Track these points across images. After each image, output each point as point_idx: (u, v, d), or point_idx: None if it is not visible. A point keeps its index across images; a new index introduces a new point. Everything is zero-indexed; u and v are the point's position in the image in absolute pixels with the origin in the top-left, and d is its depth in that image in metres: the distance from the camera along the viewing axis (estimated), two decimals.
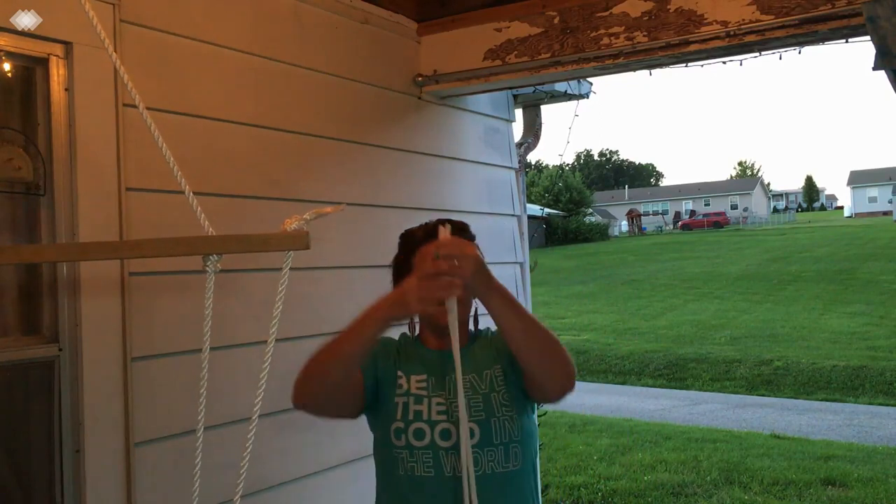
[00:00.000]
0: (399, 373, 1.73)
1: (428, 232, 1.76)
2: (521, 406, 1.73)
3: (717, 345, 14.41)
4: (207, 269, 1.12)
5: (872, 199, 69.99)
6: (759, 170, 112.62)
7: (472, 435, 1.64)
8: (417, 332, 1.87)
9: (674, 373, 13.08)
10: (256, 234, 1.15)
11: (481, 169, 3.73)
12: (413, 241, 1.79)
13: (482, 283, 1.50)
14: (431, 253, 1.46)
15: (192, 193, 1.16)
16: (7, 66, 1.98)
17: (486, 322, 1.78)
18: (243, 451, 1.14)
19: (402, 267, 1.80)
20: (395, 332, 1.85)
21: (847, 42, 2.68)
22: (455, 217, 3.58)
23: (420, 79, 3.27)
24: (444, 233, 1.50)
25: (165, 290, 2.25)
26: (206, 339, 1.13)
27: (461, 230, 1.78)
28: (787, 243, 33.84)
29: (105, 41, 1.20)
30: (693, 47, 2.75)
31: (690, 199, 74.06)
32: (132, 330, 2.12)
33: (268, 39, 2.63)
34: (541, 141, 4.33)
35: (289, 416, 2.57)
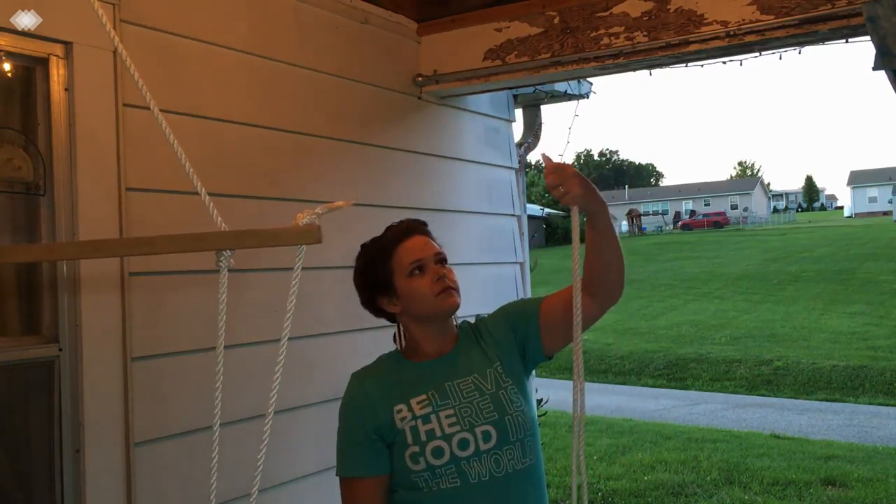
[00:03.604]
0: (396, 408, 1.66)
1: (398, 233, 1.74)
2: (526, 395, 1.72)
3: (717, 345, 14.41)
4: (220, 264, 1.11)
5: (872, 199, 69.98)
6: (759, 170, 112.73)
7: (488, 437, 1.62)
8: (402, 346, 1.79)
9: (674, 373, 13.08)
10: (269, 228, 1.13)
11: (481, 169, 3.73)
12: (383, 248, 1.74)
13: (592, 200, 1.56)
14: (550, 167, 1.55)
15: (205, 191, 1.15)
16: (7, 66, 1.98)
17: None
18: (258, 447, 1.13)
19: (375, 275, 1.74)
20: (372, 355, 1.82)
21: (847, 42, 2.68)
22: (454, 217, 3.59)
23: (420, 79, 3.26)
24: (549, 162, 1.57)
25: (166, 290, 2.25)
26: (221, 335, 1.12)
27: (421, 223, 1.79)
28: (787, 243, 33.81)
29: (115, 39, 1.20)
30: (693, 47, 2.75)
31: (690, 199, 74.01)
32: (132, 330, 2.12)
33: (268, 39, 2.63)
34: (541, 141, 4.34)
35: (289, 416, 2.57)
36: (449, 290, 1.69)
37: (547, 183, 1.54)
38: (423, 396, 1.67)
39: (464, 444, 1.61)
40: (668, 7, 2.75)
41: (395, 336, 1.80)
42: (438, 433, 1.62)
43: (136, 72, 1.19)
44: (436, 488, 1.61)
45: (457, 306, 1.71)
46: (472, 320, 1.84)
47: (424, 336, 1.73)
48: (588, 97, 4.37)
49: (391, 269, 1.71)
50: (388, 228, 1.78)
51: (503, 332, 1.75)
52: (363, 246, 1.79)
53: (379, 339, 1.91)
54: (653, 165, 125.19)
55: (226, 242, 1.11)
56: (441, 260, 1.73)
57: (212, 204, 1.14)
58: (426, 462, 1.61)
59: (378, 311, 1.78)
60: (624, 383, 12.80)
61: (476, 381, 1.68)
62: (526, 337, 1.73)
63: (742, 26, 2.62)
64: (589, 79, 4.14)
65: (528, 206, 4.68)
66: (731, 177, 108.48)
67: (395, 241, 1.72)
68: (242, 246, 1.13)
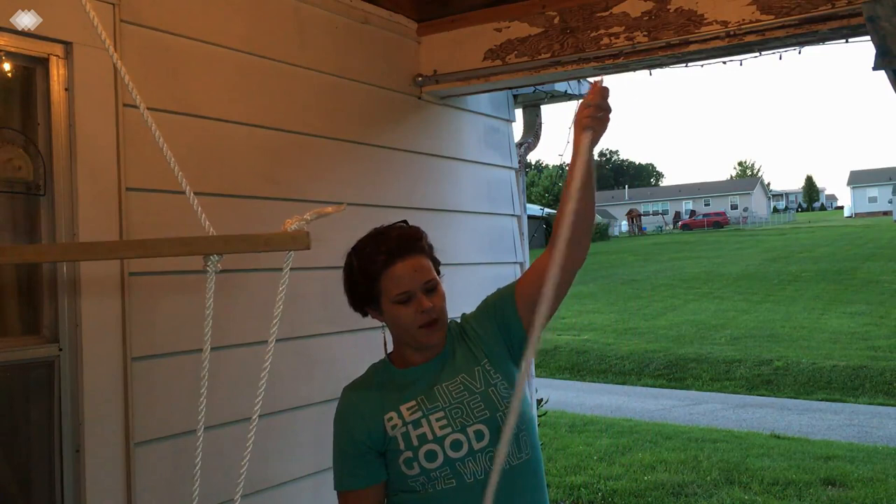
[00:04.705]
0: (387, 416, 1.66)
1: (388, 255, 1.67)
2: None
3: (717, 345, 14.41)
4: (208, 269, 1.12)
5: (872, 199, 70.01)
6: (759, 170, 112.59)
7: (481, 436, 1.62)
8: (389, 351, 1.79)
9: (674, 373, 13.08)
10: (258, 233, 1.15)
11: (481, 169, 3.73)
12: (371, 272, 1.69)
13: (595, 146, 1.50)
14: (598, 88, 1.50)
15: (192, 193, 1.16)
16: (7, 66, 1.99)
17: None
18: (244, 451, 1.14)
19: (362, 290, 1.72)
20: (371, 355, 1.84)
21: (847, 42, 2.68)
22: (454, 217, 3.59)
23: (420, 79, 3.27)
24: (598, 84, 1.52)
25: (166, 290, 2.25)
26: (207, 339, 1.13)
27: (416, 238, 1.72)
28: (787, 243, 33.84)
29: (105, 41, 1.20)
30: (693, 47, 2.75)
31: (690, 199, 74.02)
32: (132, 330, 2.12)
33: (268, 39, 2.63)
34: (541, 141, 4.34)
35: (288, 416, 2.57)
36: (432, 323, 1.67)
37: (595, 102, 1.48)
38: (413, 402, 1.67)
39: (456, 445, 1.62)
40: (668, 7, 2.75)
41: (384, 342, 1.81)
42: (430, 437, 1.63)
43: (126, 73, 1.19)
44: (432, 490, 1.62)
45: (437, 341, 1.70)
46: (459, 319, 1.83)
47: (410, 346, 1.73)
48: None
49: (378, 291, 1.69)
50: (381, 243, 1.69)
51: (487, 325, 1.74)
52: (354, 249, 1.75)
53: (379, 339, 1.91)
54: (653, 165, 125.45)
55: (215, 247, 1.12)
56: (430, 288, 1.68)
57: (200, 207, 1.15)
58: (420, 466, 1.62)
59: (366, 314, 1.79)
60: (624, 383, 12.80)
61: (465, 380, 1.68)
62: (506, 321, 1.71)
63: (742, 26, 2.62)
64: (589, 79, 4.14)
65: (528, 206, 4.68)
66: (731, 177, 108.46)
67: (383, 265, 1.67)
68: (232, 250, 1.14)
